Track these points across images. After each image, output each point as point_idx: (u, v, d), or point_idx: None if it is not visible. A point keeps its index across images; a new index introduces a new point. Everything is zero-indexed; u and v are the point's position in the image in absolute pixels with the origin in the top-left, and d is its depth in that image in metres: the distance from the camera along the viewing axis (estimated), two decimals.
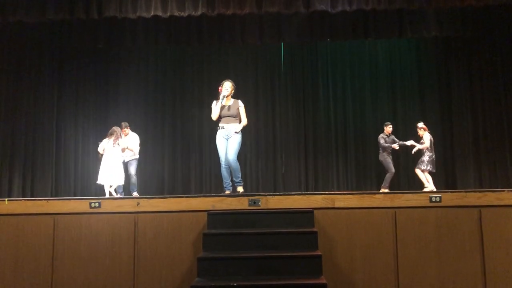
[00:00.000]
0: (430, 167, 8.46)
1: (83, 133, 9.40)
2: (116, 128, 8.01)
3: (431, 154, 8.49)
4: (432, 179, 8.59)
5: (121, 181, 7.90)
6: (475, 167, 8.89)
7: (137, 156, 8.46)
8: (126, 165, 8.27)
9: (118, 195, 8.00)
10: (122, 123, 8.43)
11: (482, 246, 4.89)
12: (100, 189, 8.06)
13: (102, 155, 7.88)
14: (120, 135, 7.97)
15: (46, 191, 8.31)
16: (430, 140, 8.55)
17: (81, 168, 9.27)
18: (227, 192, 5.85)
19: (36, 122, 8.29)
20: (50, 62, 8.71)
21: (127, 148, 8.14)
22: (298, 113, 10.21)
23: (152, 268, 4.96)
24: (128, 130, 8.43)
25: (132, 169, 8.33)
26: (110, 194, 7.83)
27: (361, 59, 10.29)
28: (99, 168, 7.89)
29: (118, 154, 7.86)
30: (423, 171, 8.48)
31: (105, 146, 7.83)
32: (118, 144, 7.80)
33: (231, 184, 5.96)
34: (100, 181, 7.79)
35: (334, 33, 8.46)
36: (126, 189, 8.30)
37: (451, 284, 4.83)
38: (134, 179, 8.31)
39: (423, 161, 8.47)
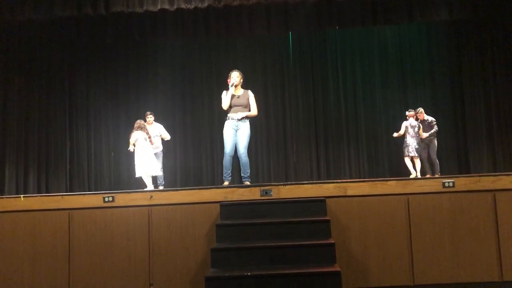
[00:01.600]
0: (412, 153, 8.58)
1: (95, 128, 9.49)
2: (141, 121, 7.94)
3: (412, 140, 8.51)
4: (446, 164, 8.59)
5: (159, 171, 7.96)
6: (489, 151, 8.79)
7: (161, 148, 8.47)
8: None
9: (161, 187, 8.04)
10: (147, 112, 8.42)
11: (497, 230, 4.85)
12: (115, 183, 8.13)
13: (133, 149, 7.80)
14: (146, 128, 7.92)
15: (61, 187, 8.42)
16: (406, 127, 8.64)
17: (94, 163, 9.37)
18: (226, 182, 5.83)
19: (49, 118, 8.38)
20: (60, 59, 8.78)
21: (160, 136, 8.16)
22: (308, 102, 10.18)
23: (167, 260, 5.01)
24: (152, 119, 8.39)
25: (159, 162, 8.32)
26: (152, 184, 7.79)
27: (371, 46, 10.19)
28: (133, 161, 7.86)
29: (149, 146, 7.83)
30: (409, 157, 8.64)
31: (135, 139, 7.73)
32: (149, 136, 7.76)
33: (230, 174, 5.94)
34: (139, 173, 7.72)
35: (342, 21, 8.36)
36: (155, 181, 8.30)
37: (466, 268, 4.80)
38: (162, 173, 8.36)
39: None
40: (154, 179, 8.19)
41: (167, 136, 8.44)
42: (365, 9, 8.12)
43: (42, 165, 8.12)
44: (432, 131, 8.58)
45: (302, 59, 10.26)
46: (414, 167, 8.60)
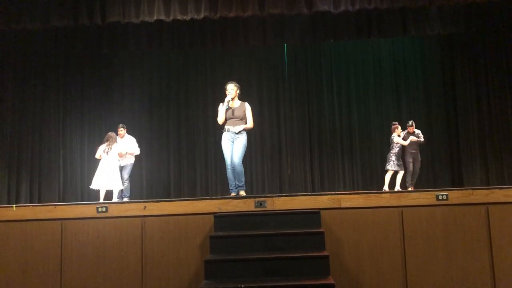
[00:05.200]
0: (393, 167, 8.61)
1: (89, 138, 9.44)
2: (111, 134, 7.98)
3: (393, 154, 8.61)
4: (439, 177, 8.59)
5: (120, 185, 7.87)
6: (482, 165, 8.85)
7: (132, 161, 8.37)
8: (120, 169, 8.17)
9: (125, 199, 8.01)
10: (119, 125, 8.38)
11: (490, 243, 4.87)
12: (109, 194, 8.07)
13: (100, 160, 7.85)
14: (116, 141, 7.92)
15: (53, 197, 8.36)
16: (391, 139, 8.69)
17: (87, 173, 9.30)
18: (233, 194, 5.85)
19: (42, 127, 8.36)
20: (55, 68, 8.78)
21: (126, 153, 8.11)
22: (303, 114, 10.20)
23: (160, 271, 4.97)
24: (123, 132, 8.32)
25: (126, 174, 8.24)
26: (104, 199, 7.75)
27: (365, 58, 10.26)
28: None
29: (115, 160, 7.83)
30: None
31: (101, 152, 7.81)
32: (110, 149, 7.76)
33: (236, 186, 5.97)
34: (93, 186, 7.75)
35: (337, 34, 8.45)
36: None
37: (459, 282, 4.81)
38: (127, 184, 8.25)
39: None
40: (121, 191, 8.10)
41: (136, 151, 8.33)
42: (360, 22, 8.21)
43: (35, 174, 8.08)
44: (415, 139, 8.55)
45: (297, 71, 10.31)
46: (394, 182, 8.59)
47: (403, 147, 8.58)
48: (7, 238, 5.14)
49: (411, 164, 8.63)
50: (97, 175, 7.74)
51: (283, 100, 10.25)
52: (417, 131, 8.66)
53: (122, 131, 8.29)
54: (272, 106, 10.26)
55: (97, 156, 7.88)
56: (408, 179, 8.64)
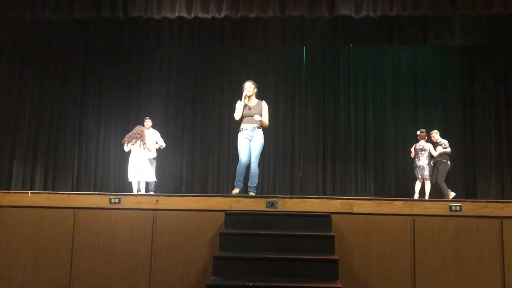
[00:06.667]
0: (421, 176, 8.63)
1: (105, 130, 9.55)
2: (142, 128, 8.18)
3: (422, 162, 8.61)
4: (453, 189, 8.53)
5: (153, 177, 8.16)
6: (497, 178, 8.73)
7: (155, 154, 8.56)
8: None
9: (151, 193, 8.12)
10: (146, 117, 8.59)
11: (503, 258, 4.80)
12: (121, 185, 8.18)
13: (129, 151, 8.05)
14: (145, 135, 8.08)
15: (67, 186, 8.47)
16: (416, 149, 8.73)
17: (101, 164, 9.42)
18: (236, 189, 5.82)
19: (60, 116, 8.48)
20: (75, 60, 8.89)
21: (157, 144, 8.37)
22: (318, 117, 10.18)
23: (169, 265, 5.01)
24: (150, 124, 8.51)
25: (153, 168, 8.46)
26: (138, 191, 7.94)
27: (383, 65, 10.20)
28: (127, 166, 8.08)
29: (145, 152, 8.03)
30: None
31: (132, 145, 7.98)
32: (144, 143, 7.96)
33: (242, 182, 5.94)
34: (131, 178, 7.97)
35: (357, 39, 8.40)
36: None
37: None
38: (155, 178, 8.43)
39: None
40: (147, 184, 8.31)
41: (163, 144, 8.58)
42: (381, 28, 8.16)
43: (50, 163, 8.19)
44: (443, 150, 8.50)
45: (314, 74, 10.29)
46: (424, 191, 8.53)
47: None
48: (21, 223, 5.22)
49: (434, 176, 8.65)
50: (132, 168, 7.94)
51: (299, 103, 10.24)
52: (443, 141, 8.58)
53: (148, 123, 8.47)
54: (287, 108, 10.26)
55: (126, 149, 8.06)
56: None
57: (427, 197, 8.40)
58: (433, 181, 8.61)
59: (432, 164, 8.65)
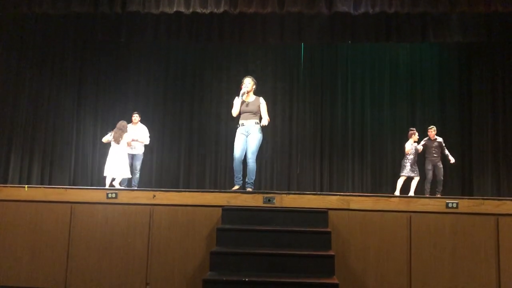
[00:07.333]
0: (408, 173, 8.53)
1: (101, 125, 9.53)
2: (124, 123, 8.03)
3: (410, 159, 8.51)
4: (449, 186, 8.52)
5: (127, 174, 7.93)
6: (494, 175, 8.77)
7: (143, 151, 8.42)
8: (132, 159, 8.24)
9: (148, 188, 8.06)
10: (134, 112, 8.51)
11: (498, 255, 4.83)
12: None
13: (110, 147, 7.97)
14: (126, 130, 7.97)
15: (64, 180, 8.45)
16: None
17: (98, 159, 9.40)
18: (237, 186, 5.85)
19: (57, 111, 8.45)
20: (73, 54, 8.86)
21: (137, 140, 8.18)
22: (316, 113, 10.18)
23: (165, 260, 5.01)
24: (138, 119, 8.40)
25: (138, 164, 8.32)
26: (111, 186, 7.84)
27: (381, 62, 10.21)
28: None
29: (124, 148, 7.91)
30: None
31: (109, 138, 7.91)
32: (122, 138, 7.84)
33: (241, 179, 5.94)
34: (105, 173, 7.88)
35: (356, 35, 8.39)
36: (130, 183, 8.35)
37: None
38: (138, 175, 8.32)
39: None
40: (129, 180, 8.22)
41: (145, 141, 8.37)
42: (379, 25, 8.16)
43: (47, 157, 8.16)
44: (420, 148, 8.51)
45: (312, 71, 10.29)
46: (409, 187, 8.52)
47: (422, 154, 8.51)
48: (17, 217, 5.21)
49: (430, 172, 8.53)
50: (107, 163, 7.86)
51: (297, 99, 10.24)
52: (439, 139, 8.54)
53: (136, 118, 8.38)
54: (285, 104, 10.26)
55: (104, 140, 8.02)
56: (427, 186, 8.52)
57: (411, 194, 8.36)
58: (430, 178, 8.57)
59: (414, 161, 8.56)
